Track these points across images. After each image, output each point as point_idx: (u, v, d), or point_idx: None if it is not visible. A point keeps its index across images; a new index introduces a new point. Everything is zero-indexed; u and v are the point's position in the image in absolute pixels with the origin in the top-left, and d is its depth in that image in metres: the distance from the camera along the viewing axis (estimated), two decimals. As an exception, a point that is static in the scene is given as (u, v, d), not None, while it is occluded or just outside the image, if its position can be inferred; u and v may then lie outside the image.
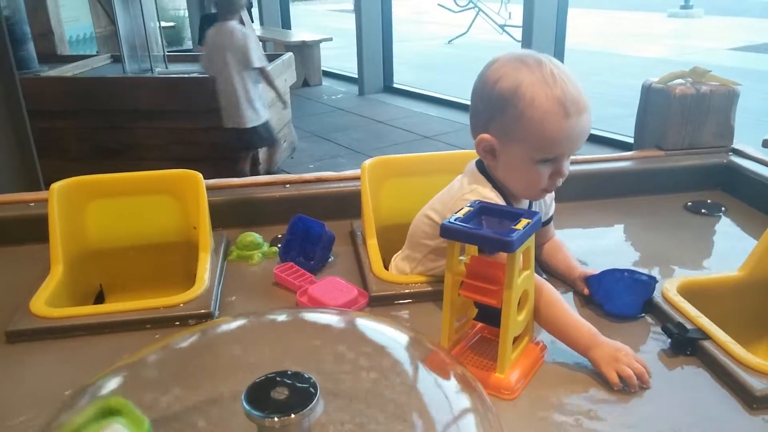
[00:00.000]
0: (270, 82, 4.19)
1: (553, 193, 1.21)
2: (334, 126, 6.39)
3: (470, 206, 0.95)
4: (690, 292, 1.11)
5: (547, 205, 1.24)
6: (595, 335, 0.97)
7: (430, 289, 1.17)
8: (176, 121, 4.35)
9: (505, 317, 0.90)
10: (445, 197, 1.18)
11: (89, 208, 1.34)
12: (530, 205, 1.18)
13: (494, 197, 1.09)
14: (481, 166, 1.15)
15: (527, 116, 1.02)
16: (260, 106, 4.08)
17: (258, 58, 3.96)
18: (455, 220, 0.91)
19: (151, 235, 1.37)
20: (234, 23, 3.96)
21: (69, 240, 1.28)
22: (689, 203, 1.58)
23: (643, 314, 1.10)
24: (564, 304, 1.02)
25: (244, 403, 0.54)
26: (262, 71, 4.04)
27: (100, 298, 1.39)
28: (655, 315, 1.10)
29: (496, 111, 1.06)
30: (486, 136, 1.08)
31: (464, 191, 1.12)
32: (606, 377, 0.93)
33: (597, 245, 1.40)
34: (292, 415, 0.53)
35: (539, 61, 1.05)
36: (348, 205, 1.46)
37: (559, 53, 5.74)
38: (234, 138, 4.08)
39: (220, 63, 3.91)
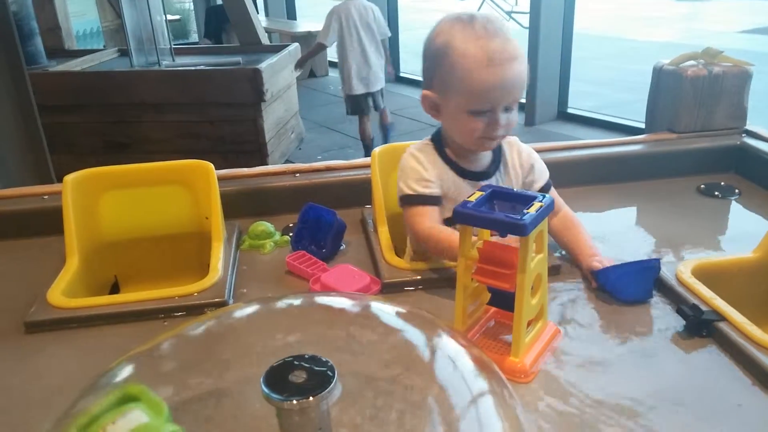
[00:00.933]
0: None
1: (534, 156, 1.25)
2: (342, 117, 6.35)
3: (482, 191, 0.95)
4: (704, 274, 1.11)
5: (525, 168, 1.24)
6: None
7: (442, 275, 1.17)
8: (184, 114, 4.35)
9: (519, 301, 0.89)
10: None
11: (102, 200, 1.35)
12: (493, 166, 1.21)
13: (425, 153, 1.19)
14: (435, 132, 1.24)
15: (457, 67, 1.09)
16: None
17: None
18: (469, 205, 0.91)
19: (164, 225, 1.38)
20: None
21: (83, 232, 1.29)
22: (702, 186, 1.57)
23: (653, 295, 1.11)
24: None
25: (263, 387, 0.54)
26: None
27: (114, 289, 1.40)
28: (669, 297, 1.09)
29: (434, 66, 1.15)
30: (428, 92, 1.17)
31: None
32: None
33: (609, 229, 1.39)
34: (311, 398, 0.53)
35: (473, 17, 1.13)
36: (358, 193, 1.46)
37: (567, 39, 5.69)
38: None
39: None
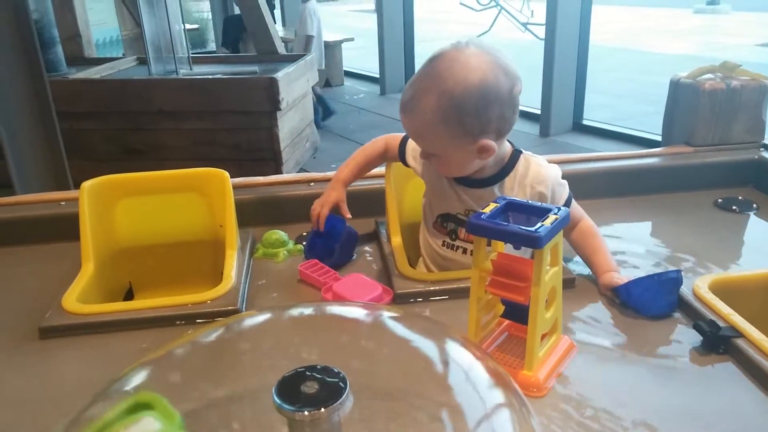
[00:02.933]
0: None
1: (547, 186, 1.19)
2: (356, 126, 6.40)
3: (496, 202, 0.95)
4: (722, 290, 1.09)
5: (533, 191, 1.18)
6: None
7: (455, 286, 1.16)
8: (200, 122, 4.39)
9: (533, 314, 0.89)
10: None
11: (119, 207, 1.36)
12: (501, 173, 1.20)
13: None
14: None
15: None
16: None
17: None
18: (484, 217, 0.90)
19: (178, 232, 1.38)
20: None
21: (99, 238, 1.30)
22: (720, 200, 1.56)
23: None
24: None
25: (275, 397, 0.54)
26: None
27: (129, 296, 1.41)
28: (686, 313, 1.08)
29: None
30: None
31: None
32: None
33: (626, 243, 1.38)
34: (323, 409, 0.53)
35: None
36: (372, 203, 1.46)
37: (582, 51, 5.68)
38: None
39: None
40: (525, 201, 1.01)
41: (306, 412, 0.53)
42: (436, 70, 1.08)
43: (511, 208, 0.96)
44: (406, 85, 1.14)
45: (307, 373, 0.57)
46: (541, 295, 0.88)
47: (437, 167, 1.18)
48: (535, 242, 0.84)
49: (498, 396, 0.62)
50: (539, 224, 0.86)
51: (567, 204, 1.20)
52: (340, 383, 0.55)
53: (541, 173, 1.19)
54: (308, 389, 0.55)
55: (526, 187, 1.19)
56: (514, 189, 1.19)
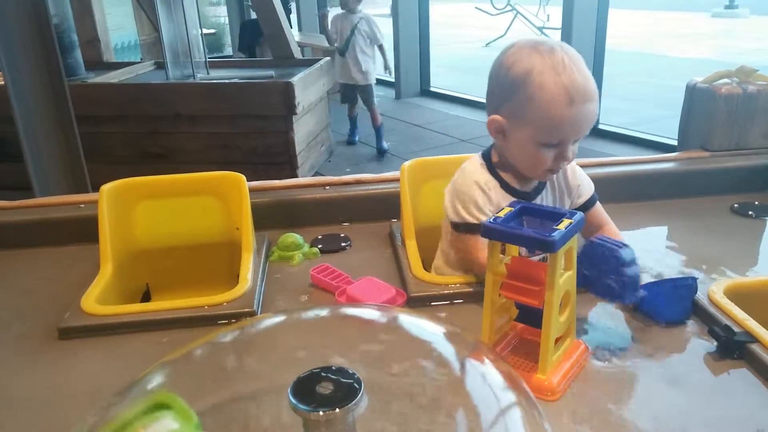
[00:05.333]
0: None
1: (580, 174, 1.26)
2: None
3: (510, 206, 0.95)
4: (737, 295, 1.09)
5: (572, 188, 1.24)
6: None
7: (469, 290, 1.17)
8: (217, 126, 4.42)
9: (547, 318, 0.89)
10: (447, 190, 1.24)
11: (137, 209, 1.38)
12: (540, 185, 1.21)
13: (479, 174, 1.17)
14: (486, 150, 1.23)
15: (535, 101, 1.08)
16: None
17: None
18: (497, 220, 0.91)
19: (195, 235, 1.40)
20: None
21: (117, 240, 1.32)
22: (736, 205, 1.55)
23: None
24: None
25: (290, 397, 0.55)
26: None
27: (146, 297, 1.43)
28: (701, 318, 1.08)
29: (508, 94, 1.12)
30: (497, 116, 1.15)
31: (457, 174, 1.22)
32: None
33: (642, 248, 1.36)
34: (337, 410, 0.54)
35: (552, 48, 1.10)
36: (387, 206, 1.47)
37: (599, 55, 5.65)
38: None
39: None
40: (539, 205, 1.02)
41: (321, 412, 0.54)
42: (576, 59, 1.09)
43: (526, 212, 0.97)
44: (570, 76, 1.06)
45: (322, 374, 0.58)
46: (555, 299, 0.88)
47: (568, 153, 1.13)
48: (549, 246, 0.85)
49: (510, 398, 0.63)
50: (554, 228, 0.87)
51: (593, 198, 1.26)
52: (355, 384, 0.56)
53: (573, 168, 1.26)
54: (323, 390, 0.56)
55: (571, 184, 1.25)
56: (561, 188, 1.24)
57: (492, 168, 1.20)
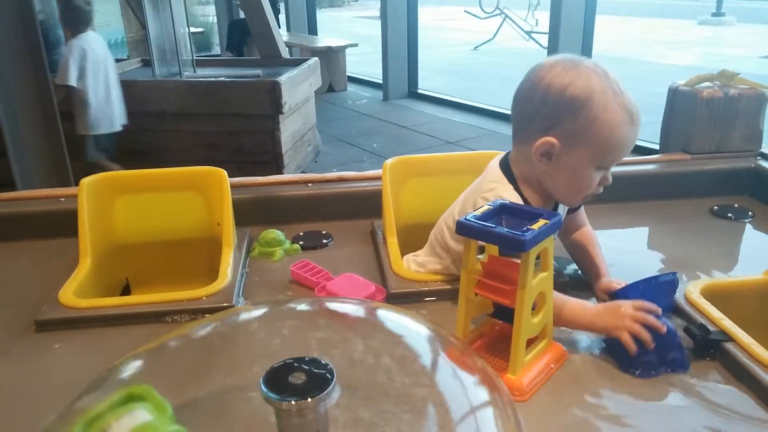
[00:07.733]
0: None
1: None
2: (358, 131, 6.42)
3: (490, 205, 0.96)
4: (713, 295, 1.10)
5: None
6: (586, 308, 1.03)
7: (448, 287, 1.17)
8: (203, 124, 4.41)
9: (518, 318, 0.89)
10: (468, 200, 1.18)
11: (117, 204, 1.37)
12: (555, 206, 1.18)
13: (513, 198, 1.09)
14: (504, 166, 1.16)
15: (599, 122, 1.04)
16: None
17: None
18: (472, 217, 0.91)
19: (176, 230, 1.40)
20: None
21: (97, 234, 1.31)
22: (715, 207, 1.56)
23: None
24: (557, 297, 1.00)
25: (263, 387, 0.55)
26: None
27: (126, 292, 1.42)
28: (678, 317, 1.09)
29: (564, 115, 1.06)
30: (550, 139, 1.07)
31: (484, 190, 1.13)
32: (622, 342, 0.96)
33: (622, 248, 1.38)
34: (309, 399, 0.54)
35: (604, 69, 1.08)
36: (369, 204, 1.47)
37: (585, 60, 5.69)
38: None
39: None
40: (520, 205, 1.02)
41: (293, 402, 0.54)
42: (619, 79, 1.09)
43: (506, 211, 0.97)
44: (628, 98, 1.06)
45: (295, 364, 0.58)
46: (526, 299, 0.88)
47: (609, 176, 1.13)
48: (520, 245, 0.85)
49: (483, 394, 0.63)
50: (527, 228, 0.87)
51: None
52: (327, 374, 0.56)
53: None
54: (296, 380, 0.56)
55: None
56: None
57: (517, 186, 1.14)
